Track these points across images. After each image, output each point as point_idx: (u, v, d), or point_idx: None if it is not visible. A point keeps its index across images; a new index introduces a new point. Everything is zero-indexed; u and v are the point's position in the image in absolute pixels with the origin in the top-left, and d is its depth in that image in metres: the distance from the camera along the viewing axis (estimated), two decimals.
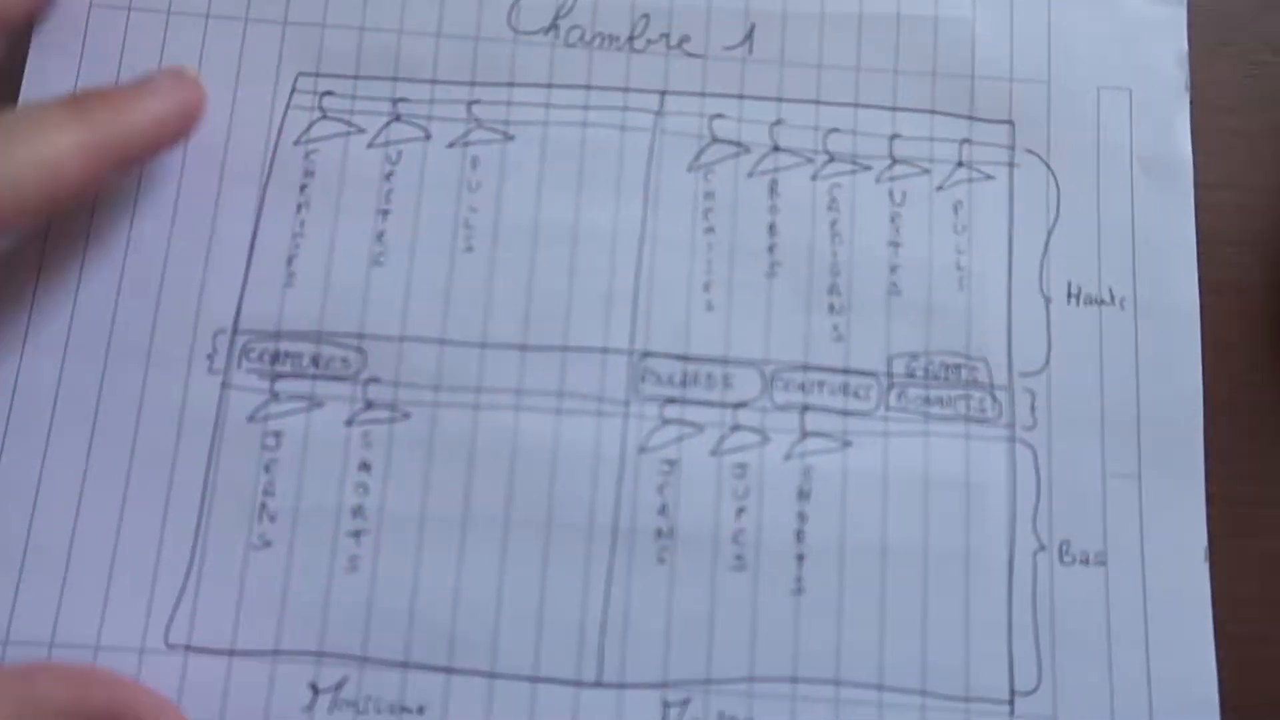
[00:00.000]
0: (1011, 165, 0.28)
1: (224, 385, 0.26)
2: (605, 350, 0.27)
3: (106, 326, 0.26)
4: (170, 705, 0.24)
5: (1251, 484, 0.28)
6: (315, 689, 0.24)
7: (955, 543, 0.26)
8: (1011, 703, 0.25)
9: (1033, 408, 0.27)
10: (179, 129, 0.26)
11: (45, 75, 0.27)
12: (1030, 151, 0.29)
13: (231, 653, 0.25)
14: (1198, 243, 0.28)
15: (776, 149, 0.28)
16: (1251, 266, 0.29)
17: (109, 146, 0.24)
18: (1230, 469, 0.28)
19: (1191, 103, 0.29)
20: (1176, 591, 0.26)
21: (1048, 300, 0.28)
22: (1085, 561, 0.26)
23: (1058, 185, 0.28)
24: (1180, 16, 0.29)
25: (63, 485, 0.25)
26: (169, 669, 0.24)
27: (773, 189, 0.28)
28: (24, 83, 0.27)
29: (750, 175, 0.28)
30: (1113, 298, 0.28)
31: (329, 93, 0.28)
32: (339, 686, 0.25)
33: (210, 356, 0.26)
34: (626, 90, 0.28)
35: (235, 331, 0.26)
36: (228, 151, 0.27)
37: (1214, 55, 0.31)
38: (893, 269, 0.28)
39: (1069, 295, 0.28)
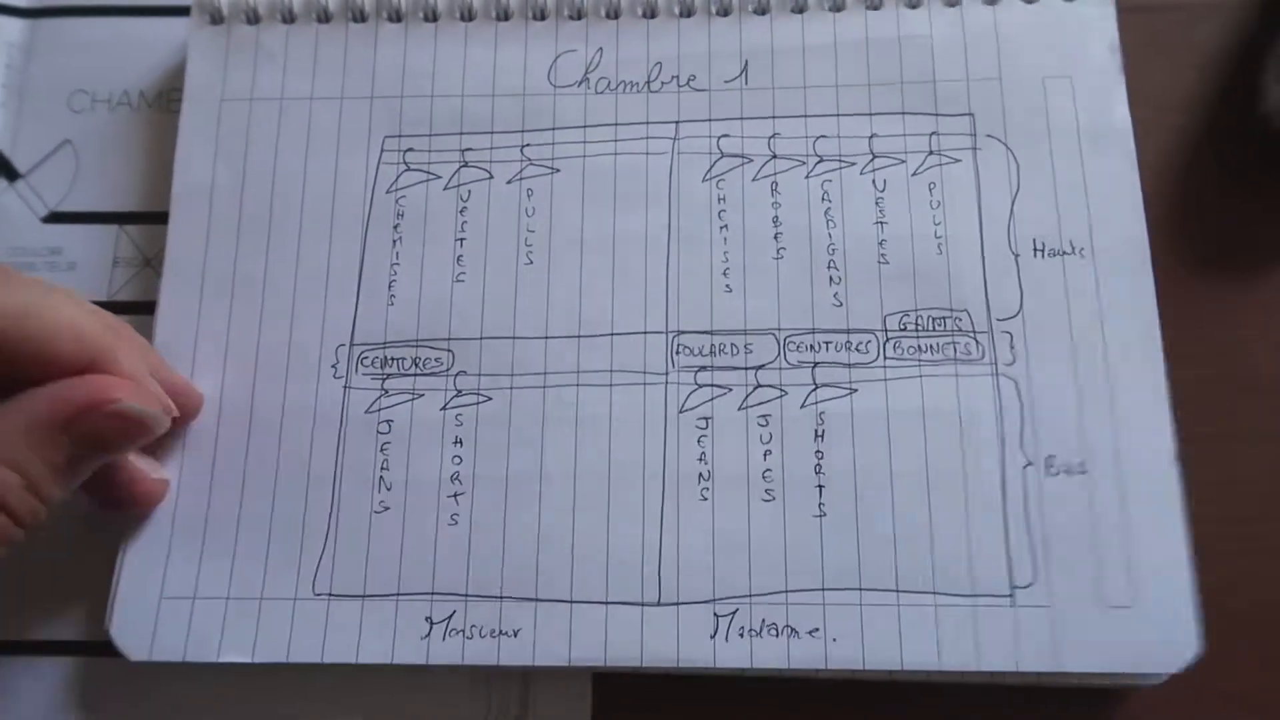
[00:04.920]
0: (975, 149, 0.31)
1: (346, 387, 0.30)
2: (645, 333, 0.30)
3: (253, 352, 0.30)
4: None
5: (1214, 423, 0.30)
6: (430, 621, 0.28)
7: (953, 465, 0.28)
8: (1012, 595, 0.27)
9: (1011, 346, 0.29)
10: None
11: (191, 160, 0.32)
12: (990, 136, 0.31)
13: (364, 596, 0.28)
14: (1149, 210, 0.30)
15: (774, 157, 0.31)
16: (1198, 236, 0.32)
17: None
18: (1193, 411, 0.29)
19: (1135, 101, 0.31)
20: (1150, 490, 0.28)
21: (1016, 256, 0.30)
22: (1068, 472, 0.28)
23: (1016, 161, 0.31)
24: (1110, 11, 0.32)
25: (229, 475, 0.29)
26: (317, 612, 0.28)
27: (774, 189, 0.31)
28: (175, 170, 0.32)
29: (754, 180, 0.31)
30: (1074, 248, 0.30)
31: (410, 149, 0.32)
32: (449, 618, 0.28)
33: (334, 365, 0.30)
34: (648, 124, 0.32)
35: (352, 344, 0.30)
36: (335, 203, 0.31)
37: (1153, 61, 0.33)
38: (880, 243, 0.30)
39: (1035, 250, 0.30)
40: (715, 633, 0.27)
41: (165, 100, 0.34)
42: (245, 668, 0.28)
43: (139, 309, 0.32)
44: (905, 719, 0.28)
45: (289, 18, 0.33)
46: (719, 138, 0.31)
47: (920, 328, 0.29)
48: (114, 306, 0.32)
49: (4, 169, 0.33)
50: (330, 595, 0.28)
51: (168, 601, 0.28)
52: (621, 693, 0.28)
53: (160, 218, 0.32)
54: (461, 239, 0.31)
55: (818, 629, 0.27)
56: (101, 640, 0.28)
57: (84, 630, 0.29)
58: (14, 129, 0.34)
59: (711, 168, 0.31)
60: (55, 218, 0.33)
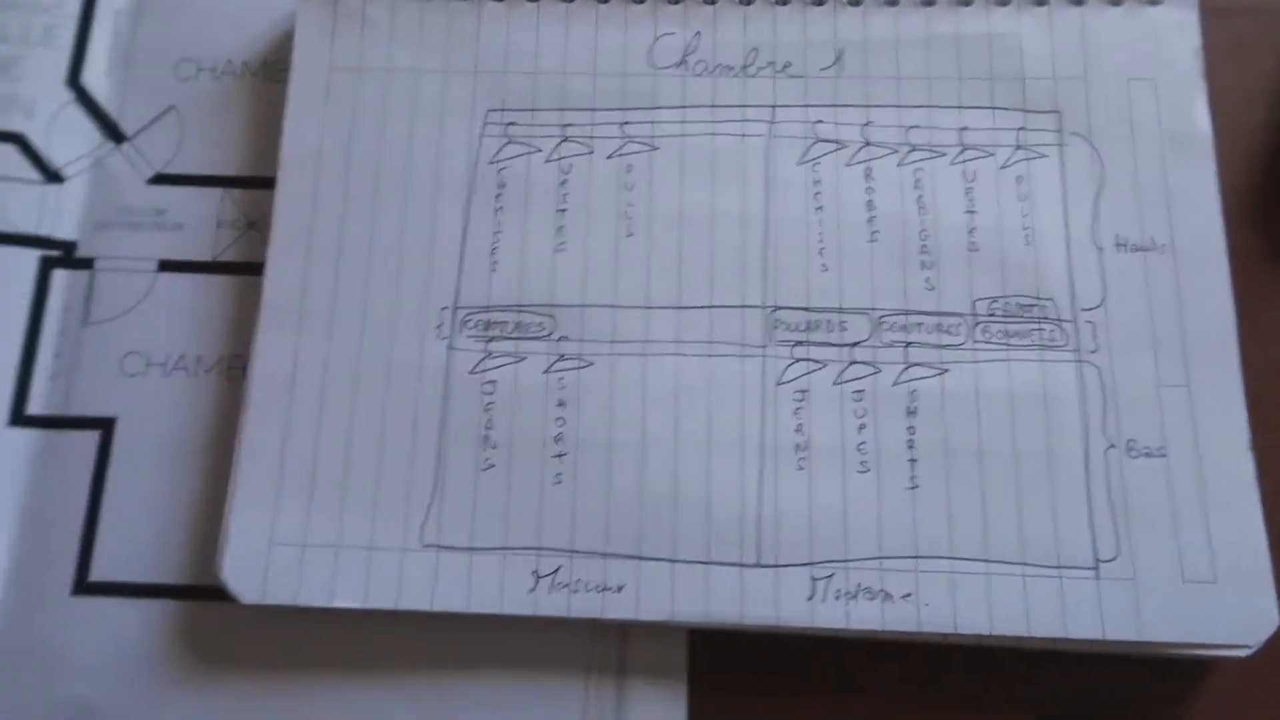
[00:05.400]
0: (1060, 145, 0.32)
1: (450, 348, 0.31)
2: (744, 307, 0.31)
3: (360, 312, 0.31)
4: None
5: None
6: (537, 575, 0.29)
7: (1038, 445, 0.29)
8: (1096, 568, 0.28)
9: (1094, 335, 0.30)
10: None
11: (300, 128, 0.33)
12: (1075, 134, 0.32)
13: (471, 549, 0.29)
14: (1232, 207, 0.31)
15: (868, 144, 0.32)
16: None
17: None
18: (1274, 401, 0.31)
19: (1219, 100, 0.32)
20: (1227, 474, 0.29)
21: (1100, 250, 0.31)
22: (1149, 454, 0.29)
23: (1100, 159, 0.32)
24: (1193, 16, 0.33)
25: (336, 432, 0.30)
26: (425, 562, 0.29)
27: (867, 174, 0.32)
28: (284, 137, 0.33)
29: (848, 165, 0.32)
30: (1154, 244, 0.31)
31: (513, 123, 0.33)
32: (555, 572, 0.29)
33: (438, 327, 0.31)
34: (744, 107, 0.33)
35: (456, 308, 0.31)
36: (438, 172, 0.32)
37: (1236, 62, 0.34)
38: (970, 231, 0.31)
39: (1117, 245, 0.31)
40: (812, 595, 0.28)
41: (269, 70, 0.35)
42: (350, 615, 0.29)
43: (243, 270, 0.33)
44: (995, 685, 0.29)
45: None
46: (814, 123, 0.33)
47: (1008, 314, 0.31)
48: (218, 268, 0.33)
49: (112, 132, 0.34)
50: (439, 547, 0.29)
51: (278, 548, 0.29)
52: (717, 646, 0.29)
53: (263, 183, 0.33)
54: (562, 210, 0.32)
55: (910, 594, 0.28)
56: (209, 584, 0.29)
57: (190, 574, 0.30)
58: (121, 94, 0.35)
59: (807, 151, 0.32)
60: (161, 180, 0.34)
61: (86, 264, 0.33)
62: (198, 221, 0.34)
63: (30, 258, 0.33)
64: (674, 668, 0.29)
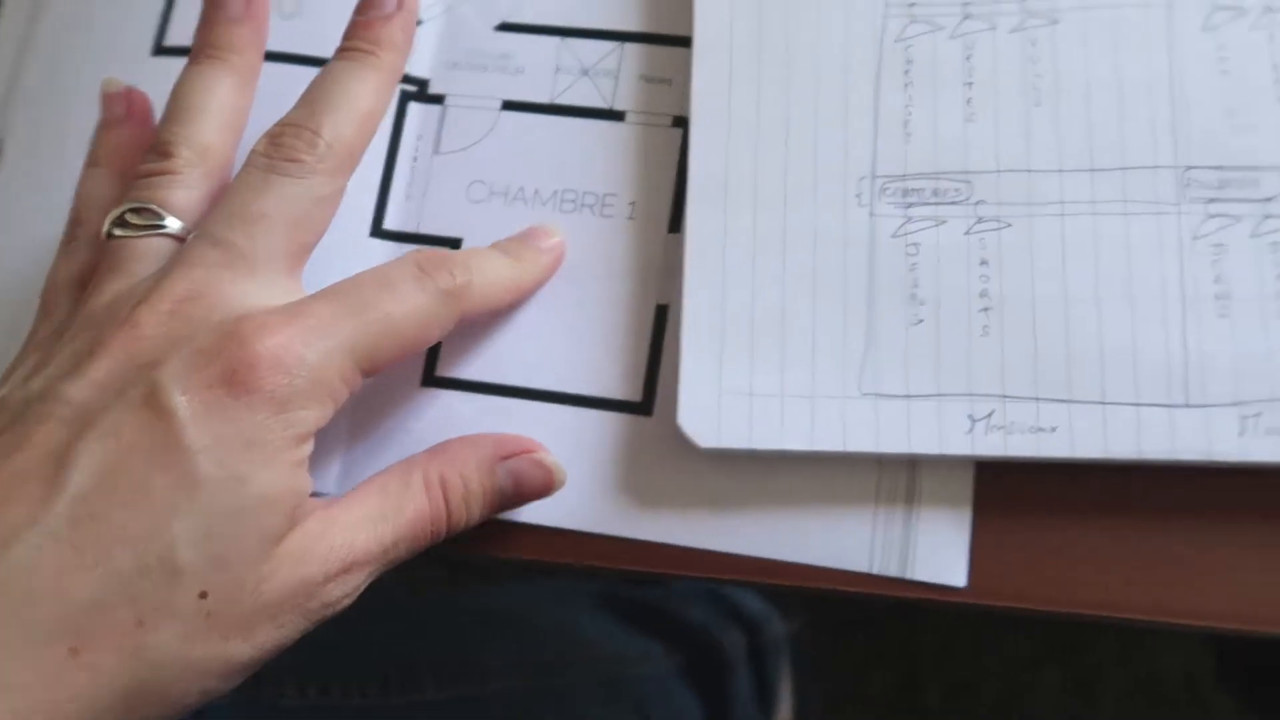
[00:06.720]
0: None
1: (871, 214, 0.33)
2: (1156, 167, 0.33)
3: (781, 183, 0.34)
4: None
5: None
6: (972, 419, 0.32)
7: None
8: None
9: None
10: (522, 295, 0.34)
11: (712, 13, 0.36)
12: None
13: (908, 396, 0.32)
14: None
15: (1270, 10, 0.33)
16: None
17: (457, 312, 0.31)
18: None
19: None
20: None
21: None
22: None
23: None
24: None
25: (769, 293, 0.33)
26: (866, 409, 0.32)
27: (1270, 39, 0.33)
28: (695, 24, 0.35)
29: (1250, 30, 0.33)
30: None
31: (914, 3, 0.35)
32: (989, 416, 0.32)
33: (858, 195, 0.34)
34: None
35: (873, 177, 0.34)
36: (847, 53, 0.35)
37: None
38: None
39: None
40: (1242, 432, 0.30)
41: None
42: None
43: (576, 113, 0.37)
44: None
45: None
46: None
47: None
48: (556, 110, 0.37)
49: None
50: (877, 395, 0.32)
51: (728, 396, 0.33)
52: (1000, 479, 0.32)
53: (592, 34, 0.37)
54: (969, 83, 0.34)
55: None
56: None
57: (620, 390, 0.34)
58: None
59: (1209, 18, 0.33)
60: (506, 27, 0.38)
61: (438, 99, 0.37)
62: (537, 67, 0.37)
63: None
64: (961, 495, 0.32)
